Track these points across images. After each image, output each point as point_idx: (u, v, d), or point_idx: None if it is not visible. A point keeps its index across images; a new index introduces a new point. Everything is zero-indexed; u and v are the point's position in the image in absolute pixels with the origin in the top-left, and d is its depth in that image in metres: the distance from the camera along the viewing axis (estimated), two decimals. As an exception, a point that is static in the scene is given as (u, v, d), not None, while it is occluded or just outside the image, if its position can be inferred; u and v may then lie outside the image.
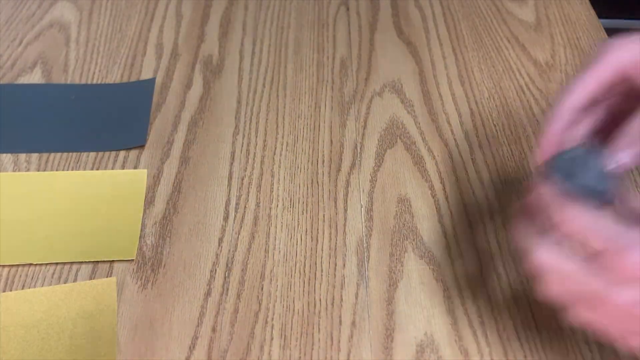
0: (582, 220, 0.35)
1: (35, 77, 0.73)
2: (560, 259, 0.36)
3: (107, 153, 0.64)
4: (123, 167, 0.63)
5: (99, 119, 0.67)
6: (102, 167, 0.62)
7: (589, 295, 0.35)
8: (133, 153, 0.64)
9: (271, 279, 0.54)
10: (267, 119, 0.68)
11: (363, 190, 0.61)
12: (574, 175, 0.37)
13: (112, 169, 0.62)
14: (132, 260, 0.55)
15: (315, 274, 0.54)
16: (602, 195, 0.36)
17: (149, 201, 0.60)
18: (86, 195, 0.59)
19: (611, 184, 0.37)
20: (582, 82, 0.41)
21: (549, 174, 0.38)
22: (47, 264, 0.54)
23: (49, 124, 0.66)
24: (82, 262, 0.54)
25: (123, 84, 0.71)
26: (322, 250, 0.56)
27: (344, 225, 0.58)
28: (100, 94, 0.70)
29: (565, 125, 0.42)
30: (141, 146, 0.64)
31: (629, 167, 0.39)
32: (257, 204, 0.59)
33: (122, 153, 0.64)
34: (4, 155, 0.63)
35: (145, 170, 0.61)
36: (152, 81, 0.71)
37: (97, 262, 0.55)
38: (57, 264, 0.54)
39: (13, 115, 0.67)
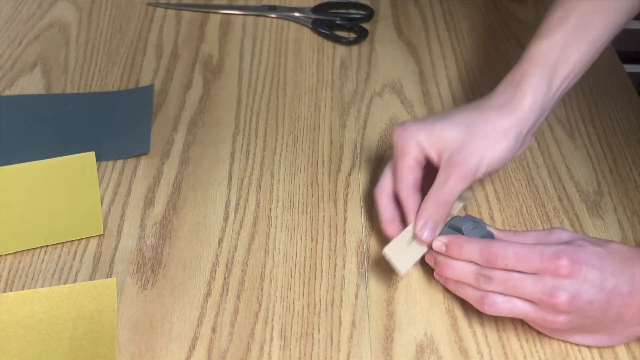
0: (512, 247, 0.47)
1: (35, 77, 0.73)
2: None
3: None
4: (122, 170, 0.63)
5: (100, 129, 0.67)
6: (102, 171, 0.62)
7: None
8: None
9: (271, 280, 0.54)
10: (267, 119, 0.68)
11: (363, 191, 0.61)
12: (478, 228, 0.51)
13: (112, 173, 0.62)
14: (102, 235, 0.56)
15: (315, 274, 0.54)
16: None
17: (149, 202, 0.60)
18: (42, 184, 0.61)
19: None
20: (402, 177, 0.52)
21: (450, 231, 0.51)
22: (47, 263, 0.55)
23: (49, 135, 0.66)
24: (56, 246, 0.55)
25: (121, 91, 0.71)
26: (322, 251, 0.56)
27: (344, 226, 0.58)
28: (98, 102, 0.70)
29: (415, 197, 0.52)
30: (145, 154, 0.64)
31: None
32: (257, 205, 0.60)
33: (122, 153, 0.64)
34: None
35: (93, 153, 0.63)
36: (150, 87, 0.71)
37: (97, 262, 0.55)
38: (57, 263, 0.55)
39: (12, 128, 0.66)
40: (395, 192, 0.53)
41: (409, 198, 0.52)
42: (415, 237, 0.51)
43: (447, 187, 0.50)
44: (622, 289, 0.45)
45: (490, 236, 0.51)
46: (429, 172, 0.53)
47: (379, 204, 0.54)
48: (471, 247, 0.48)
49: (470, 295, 0.49)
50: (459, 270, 0.49)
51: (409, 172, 0.52)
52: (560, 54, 0.52)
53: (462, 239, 0.49)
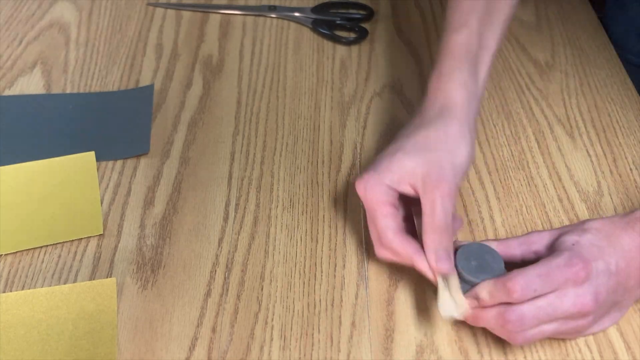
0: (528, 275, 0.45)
1: (35, 77, 0.73)
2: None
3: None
4: (122, 170, 0.63)
5: (100, 129, 0.67)
6: (102, 171, 0.62)
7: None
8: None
9: (271, 280, 0.54)
10: (267, 119, 0.68)
11: (363, 191, 0.61)
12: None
13: (112, 173, 0.62)
14: (102, 235, 0.56)
15: (315, 274, 0.54)
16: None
17: (149, 202, 0.60)
18: (42, 184, 0.61)
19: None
20: (377, 224, 0.50)
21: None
22: (47, 263, 0.55)
23: (49, 135, 0.66)
24: (55, 246, 0.55)
25: (121, 91, 0.71)
26: (322, 250, 0.56)
27: (344, 226, 0.58)
28: (99, 102, 0.70)
29: (408, 240, 0.49)
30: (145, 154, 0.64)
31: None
32: (257, 205, 0.60)
33: (122, 153, 0.64)
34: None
35: (93, 152, 0.63)
36: (150, 87, 0.71)
37: (97, 262, 0.55)
38: (57, 263, 0.55)
39: (12, 128, 0.66)
40: (386, 246, 0.50)
41: (404, 243, 0.49)
42: (436, 272, 0.48)
43: (437, 211, 0.47)
44: (620, 264, 0.47)
45: (499, 265, 0.48)
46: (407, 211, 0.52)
47: (397, 249, 0.50)
48: (496, 294, 0.45)
49: (503, 335, 0.47)
50: (486, 322, 0.47)
51: (391, 220, 0.49)
52: (479, 41, 0.53)
53: (482, 302, 0.46)
